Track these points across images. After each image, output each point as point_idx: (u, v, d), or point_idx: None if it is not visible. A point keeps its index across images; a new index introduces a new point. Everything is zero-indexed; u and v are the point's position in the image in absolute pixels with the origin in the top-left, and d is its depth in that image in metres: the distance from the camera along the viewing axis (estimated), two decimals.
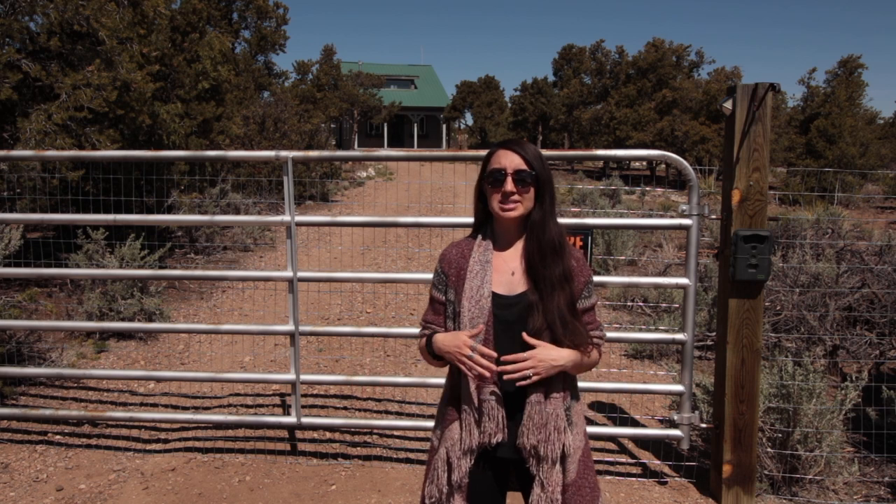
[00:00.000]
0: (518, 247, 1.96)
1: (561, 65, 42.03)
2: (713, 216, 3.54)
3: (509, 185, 1.87)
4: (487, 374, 1.83)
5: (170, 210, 9.49)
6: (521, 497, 2.04)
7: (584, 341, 1.90)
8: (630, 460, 3.98)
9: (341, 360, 5.56)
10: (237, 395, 4.79)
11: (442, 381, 2.20)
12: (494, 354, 1.85)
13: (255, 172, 13.49)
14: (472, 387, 1.89)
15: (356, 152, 3.94)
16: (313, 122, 19.30)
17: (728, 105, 3.37)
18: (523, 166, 1.87)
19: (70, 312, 6.17)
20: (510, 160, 1.88)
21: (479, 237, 1.99)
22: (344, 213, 13.92)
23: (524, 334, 1.85)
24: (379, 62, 50.71)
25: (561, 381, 1.90)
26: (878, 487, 3.72)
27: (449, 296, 1.98)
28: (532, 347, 1.85)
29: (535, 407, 1.87)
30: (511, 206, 1.88)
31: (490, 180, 1.90)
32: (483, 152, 2.06)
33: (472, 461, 1.92)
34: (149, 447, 4.04)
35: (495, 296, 1.90)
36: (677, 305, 6.03)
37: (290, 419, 3.90)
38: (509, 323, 1.89)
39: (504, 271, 1.93)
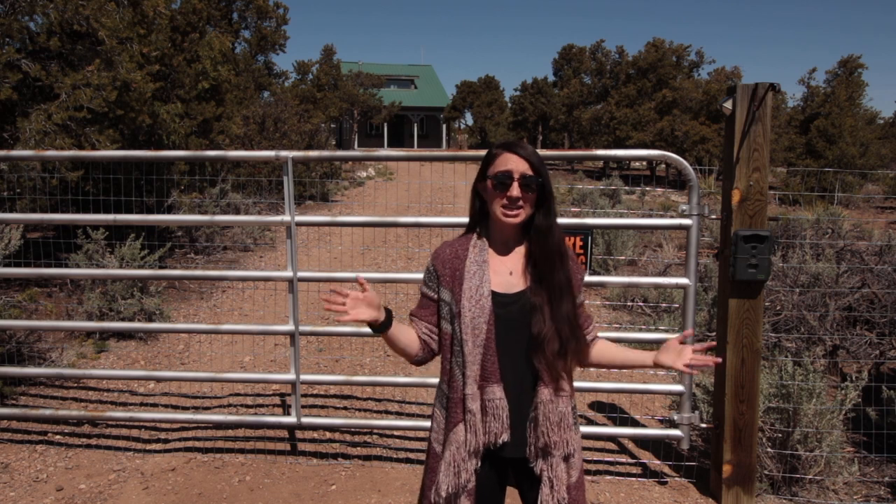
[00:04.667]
0: (515, 248, 1.95)
1: (561, 65, 42.04)
2: (713, 216, 3.54)
3: (516, 191, 1.84)
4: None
5: (170, 210, 9.49)
6: (517, 494, 2.04)
7: (582, 344, 1.93)
8: (630, 460, 3.98)
9: (341, 360, 5.56)
10: (237, 395, 4.79)
11: None
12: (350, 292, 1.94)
13: (255, 172, 13.49)
14: (476, 387, 1.88)
15: (356, 152, 3.93)
16: (313, 122, 19.26)
17: (728, 105, 3.37)
18: (530, 172, 1.85)
19: (70, 312, 6.17)
20: (516, 164, 1.85)
21: (475, 237, 1.97)
22: (344, 213, 13.92)
23: None
24: (379, 62, 50.77)
25: (568, 378, 1.91)
26: (878, 487, 3.72)
27: (442, 295, 1.96)
28: (531, 352, 1.88)
29: (548, 406, 1.87)
30: (515, 211, 1.86)
31: (495, 183, 1.87)
32: (483, 152, 2.04)
33: (479, 463, 1.91)
34: (149, 447, 4.04)
35: (494, 294, 1.90)
36: (677, 305, 6.03)
37: (290, 419, 3.90)
38: (510, 321, 1.89)
39: (501, 271, 1.93)
